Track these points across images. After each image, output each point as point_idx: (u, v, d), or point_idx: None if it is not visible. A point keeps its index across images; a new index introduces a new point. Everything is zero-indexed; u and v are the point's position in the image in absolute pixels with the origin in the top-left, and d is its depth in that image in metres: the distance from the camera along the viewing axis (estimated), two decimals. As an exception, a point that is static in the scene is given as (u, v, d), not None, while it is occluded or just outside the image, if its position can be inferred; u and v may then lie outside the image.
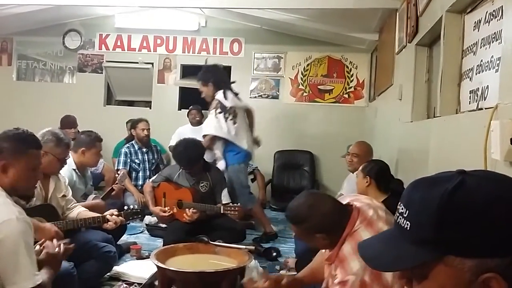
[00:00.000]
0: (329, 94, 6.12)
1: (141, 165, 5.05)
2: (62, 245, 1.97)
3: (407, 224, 0.79)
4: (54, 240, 1.98)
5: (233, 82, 4.59)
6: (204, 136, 4.29)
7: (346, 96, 6.07)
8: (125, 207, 2.95)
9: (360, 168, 2.86)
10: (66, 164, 2.85)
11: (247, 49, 6.24)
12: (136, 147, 5.11)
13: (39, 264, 1.78)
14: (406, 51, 3.49)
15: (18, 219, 1.64)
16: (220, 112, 4.24)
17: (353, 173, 3.50)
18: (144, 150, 5.13)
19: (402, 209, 0.82)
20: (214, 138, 4.29)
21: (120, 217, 2.81)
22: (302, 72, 6.16)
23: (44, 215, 2.54)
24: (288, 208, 1.87)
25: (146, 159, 5.11)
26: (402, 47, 3.61)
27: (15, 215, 1.64)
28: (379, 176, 2.75)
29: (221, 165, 4.26)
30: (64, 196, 2.82)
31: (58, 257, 1.94)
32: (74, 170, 3.26)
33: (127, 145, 5.11)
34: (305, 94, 6.16)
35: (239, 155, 4.32)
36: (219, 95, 4.23)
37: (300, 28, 5.64)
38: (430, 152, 2.58)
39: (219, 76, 4.42)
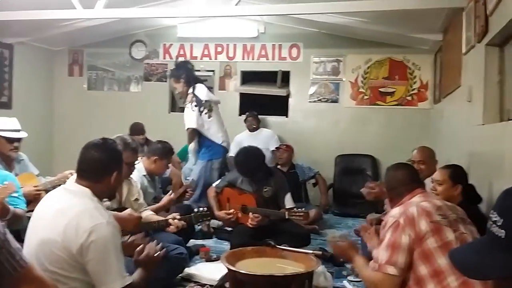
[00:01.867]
0: (391, 97, 6.00)
1: None
2: (161, 252, 2.07)
3: (502, 233, 0.79)
4: (157, 245, 2.08)
5: (205, 80, 4.82)
6: (187, 129, 4.47)
7: (409, 98, 5.93)
8: (195, 210, 3.04)
9: (445, 176, 2.71)
10: (134, 168, 2.99)
11: (305, 53, 6.26)
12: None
13: (136, 264, 1.90)
14: (475, 52, 3.37)
15: (108, 223, 1.76)
16: (196, 106, 4.40)
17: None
18: None
19: (495, 217, 0.82)
20: (195, 131, 4.46)
21: (182, 222, 2.90)
22: (362, 75, 6.08)
23: (119, 216, 2.69)
24: None
25: None
26: (471, 47, 3.49)
27: (106, 220, 1.77)
28: (467, 182, 2.67)
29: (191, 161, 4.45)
30: (136, 199, 2.97)
31: (156, 261, 2.04)
32: (144, 176, 3.42)
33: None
34: (365, 97, 6.08)
35: (211, 152, 4.48)
36: (197, 89, 4.43)
37: (360, 30, 5.58)
38: (506, 157, 2.48)
39: (190, 72, 4.57)
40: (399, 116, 5.98)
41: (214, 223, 4.47)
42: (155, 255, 2.02)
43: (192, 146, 4.55)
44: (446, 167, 2.82)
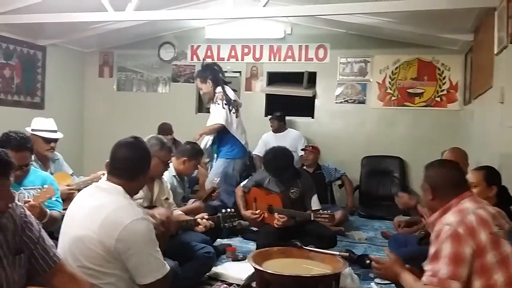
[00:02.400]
0: (420, 98, 5.92)
1: None
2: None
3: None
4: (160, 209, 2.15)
5: (229, 82, 4.85)
6: (215, 125, 4.54)
7: (438, 99, 5.84)
8: (223, 210, 3.07)
9: (479, 177, 2.62)
10: (169, 167, 3.05)
11: (332, 54, 6.24)
12: None
13: None
14: (508, 52, 3.31)
15: (143, 218, 1.82)
16: (226, 104, 4.48)
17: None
18: None
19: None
20: (221, 128, 4.51)
21: (210, 222, 2.93)
22: (390, 75, 6.02)
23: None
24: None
25: None
26: (503, 47, 3.42)
27: (141, 215, 1.82)
28: (500, 183, 2.61)
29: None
30: (167, 199, 3.02)
31: (175, 223, 2.12)
32: (174, 176, 3.47)
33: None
34: (393, 98, 6.02)
35: (234, 151, 4.54)
36: (228, 89, 4.54)
37: (388, 31, 5.53)
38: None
39: (217, 73, 4.63)
40: (427, 117, 5.90)
41: (240, 223, 4.50)
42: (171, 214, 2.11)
43: (205, 142, 4.58)
44: (480, 168, 2.75)
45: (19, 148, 2.56)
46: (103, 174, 3.30)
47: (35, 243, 1.52)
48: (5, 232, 1.44)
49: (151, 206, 2.87)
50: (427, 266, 1.76)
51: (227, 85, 4.69)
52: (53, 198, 2.68)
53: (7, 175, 1.40)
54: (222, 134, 4.61)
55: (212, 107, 4.64)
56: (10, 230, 1.46)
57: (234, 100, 4.59)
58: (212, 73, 4.60)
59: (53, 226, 2.67)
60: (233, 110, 4.54)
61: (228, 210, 3.05)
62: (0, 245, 1.42)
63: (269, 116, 6.38)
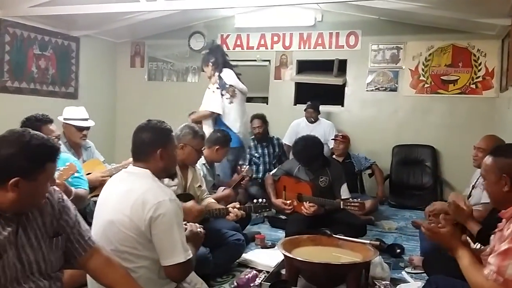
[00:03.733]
0: (454, 85, 5.77)
1: (261, 159, 5.25)
2: (202, 229, 2.16)
3: None
4: (196, 224, 2.17)
5: (235, 66, 4.55)
6: (205, 112, 4.30)
7: (473, 86, 5.67)
8: (254, 200, 3.10)
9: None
10: (202, 155, 3.09)
11: (363, 41, 6.14)
12: (256, 141, 5.32)
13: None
14: (548, 36, 3.18)
15: (171, 200, 1.85)
16: (218, 88, 4.27)
17: (479, 168, 3.28)
18: (264, 144, 5.31)
19: None
20: (211, 115, 4.28)
21: (241, 211, 2.96)
22: (423, 62, 5.88)
23: (184, 201, 2.79)
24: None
25: (266, 153, 5.29)
26: (543, 32, 3.29)
27: (168, 197, 1.85)
28: None
29: None
30: (200, 186, 3.07)
31: (200, 236, 2.13)
32: (204, 164, 3.52)
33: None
34: (426, 85, 5.88)
35: None
36: (224, 73, 4.29)
37: (421, 16, 5.39)
38: None
39: (219, 56, 4.43)
40: (462, 105, 5.75)
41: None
42: (197, 230, 2.10)
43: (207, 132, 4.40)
44: (492, 136, 2.82)
45: (45, 122, 2.81)
46: None
47: (71, 227, 1.57)
48: (43, 215, 1.50)
49: (186, 193, 2.92)
50: (493, 259, 1.60)
51: (231, 68, 4.47)
52: (76, 174, 2.75)
53: (55, 160, 1.46)
54: (215, 122, 4.38)
55: (207, 91, 4.45)
56: (48, 214, 1.51)
57: (231, 85, 4.30)
58: (215, 56, 4.45)
59: (79, 204, 2.76)
60: (227, 96, 4.28)
61: (260, 200, 3.06)
62: (38, 228, 1.48)
63: (298, 105, 6.36)
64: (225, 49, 6.55)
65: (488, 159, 1.81)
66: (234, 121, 4.27)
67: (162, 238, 1.80)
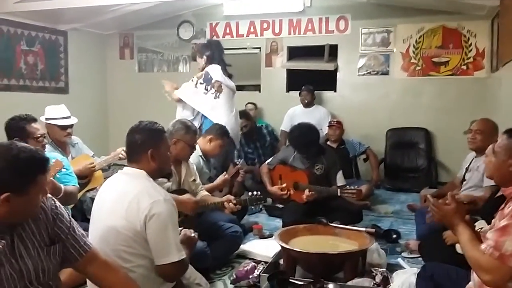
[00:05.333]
0: (445, 67, 5.77)
1: (255, 153, 5.23)
2: (195, 233, 2.17)
3: None
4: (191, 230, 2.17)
5: (229, 65, 4.40)
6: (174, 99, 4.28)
7: (464, 67, 5.68)
8: (249, 193, 3.11)
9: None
10: (195, 150, 3.08)
11: (353, 25, 6.11)
12: (245, 139, 5.27)
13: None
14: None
15: (166, 200, 1.86)
16: (201, 83, 4.18)
17: (475, 151, 3.30)
18: (254, 137, 5.27)
19: None
20: (176, 100, 4.25)
21: (237, 206, 2.94)
22: (414, 45, 5.87)
23: (179, 199, 2.79)
24: None
25: (258, 146, 5.28)
26: (533, 12, 3.28)
27: (163, 197, 1.86)
28: None
29: None
30: (194, 180, 3.07)
31: (194, 241, 2.15)
32: (200, 156, 3.51)
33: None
34: (418, 68, 5.88)
35: None
36: (210, 67, 4.18)
37: (411, -2, 5.37)
38: None
39: (215, 52, 4.32)
40: (453, 86, 5.76)
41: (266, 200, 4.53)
42: (192, 235, 2.11)
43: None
44: (488, 119, 2.86)
45: (29, 120, 2.77)
46: (123, 150, 3.38)
47: (66, 233, 1.57)
48: (39, 224, 1.50)
49: (180, 190, 2.92)
50: (491, 235, 1.63)
51: (224, 66, 4.34)
52: (63, 170, 2.73)
53: (46, 171, 1.45)
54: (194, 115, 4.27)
55: (189, 82, 4.34)
56: (43, 222, 1.51)
57: (217, 81, 4.19)
58: (211, 50, 4.34)
59: (70, 201, 2.76)
60: (212, 91, 4.17)
61: (255, 193, 3.06)
62: (34, 237, 1.48)
63: (291, 92, 6.35)
64: (214, 37, 6.58)
65: (503, 138, 1.87)
66: (218, 116, 4.12)
67: (156, 237, 1.81)
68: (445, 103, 5.78)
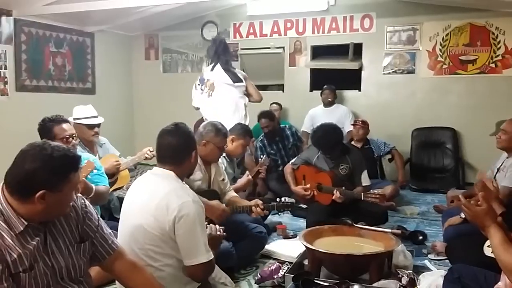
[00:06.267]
0: (473, 65, 5.66)
1: (277, 154, 5.21)
2: (222, 231, 2.18)
3: None
4: (217, 226, 2.18)
5: (227, 60, 4.40)
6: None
7: (493, 65, 5.55)
8: (277, 199, 3.11)
9: None
10: (224, 152, 3.10)
11: (378, 23, 6.04)
12: (267, 140, 5.22)
13: None
14: None
15: (194, 201, 1.89)
16: (198, 84, 4.32)
17: (505, 151, 3.24)
18: (277, 138, 5.26)
19: None
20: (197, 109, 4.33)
21: (264, 211, 2.98)
22: (440, 43, 5.77)
23: (209, 199, 2.82)
24: None
25: (281, 147, 5.25)
26: None
27: (191, 198, 1.89)
28: None
29: None
30: (223, 179, 3.10)
31: (219, 239, 2.15)
32: (224, 157, 3.52)
33: (260, 138, 5.26)
34: (444, 66, 5.78)
35: None
36: (204, 67, 4.31)
37: (437, -5, 5.28)
38: None
39: (216, 50, 4.35)
40: (481, 85, 5.64)
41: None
42: (218, 233, 2.12)
43: None
44: None
45: (62, 121, 2.84)
46: (149, 150, 3.44)
47: (94, 232, 1.61)
48: (70, 222, 1.55)
49: (210, 190, 2.94)
50: None
51: (221, 61, 4.33)
52: (94, 171, 2.77)
53: (78, 169, 1.50)
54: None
55: None
56: (73, 220, 1.56)
57: (208, 80, 4.26)
58: (211, 48, 4.41)
59: (100, 201, 2.81)
60: (206, 90, 4.25)
61: (283, 199, 3.06)
62: (65, 234, 1.53)
63: (314, 92, 6.32)
64: (238, 38, 6.61)
65: None
66: (212, 115, 4.14)
67: (185, 238, 1.84)
68: (473, 102, 5.67)
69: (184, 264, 1.86)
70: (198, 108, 4.39)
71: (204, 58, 4.48)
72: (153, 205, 1.87)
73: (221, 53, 4.37)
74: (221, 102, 4.26)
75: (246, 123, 4.13)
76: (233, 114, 4.28)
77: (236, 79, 4.34)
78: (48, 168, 1.38)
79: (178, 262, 1.88)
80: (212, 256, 1.89)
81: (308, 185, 3.79)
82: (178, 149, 2.02)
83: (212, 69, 4.28)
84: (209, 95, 4.27)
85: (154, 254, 1.87)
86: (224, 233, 2.18)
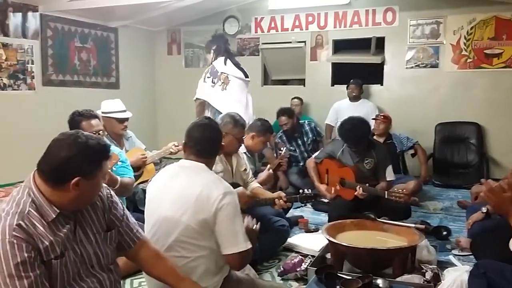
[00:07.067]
0: (498, 59, 5.56)
1: (297, 150, 5.23)
2: (257, 225, 2.19)
3: None
4: (253, 220, 2.20)
5: (235, 55, 4.51)
6: (195, 101, 4.31)
7: (519, 59, 5.45)
8: (300, 191, 3.14)
9: None
10: (243, 143, 3.13)
11: (401, 17, 5.98)
12: (287, 137, 5.27)
13: None
14: None
15: (232, 192, 1.93)
16: (209, 77, 4.24)
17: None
18: (296, 135, 5.26)
19: None
20: (203, 103, 4.27)
21: (287, 204, 2.99)
22: (465, 36, 5.68)
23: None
24: None
25: (300, 143, 5.26)
26: None
27: (230, 189, 1.93)
28: None
29: None
30: (245, 170, 3.14)
31: (255, 232, 2.15)
32: (245, 152, 3.55)
33: (279, 134, 5.29)
34: (469, 60, 5.69)
35: None
36: (216, 61, 4.25)
37: (462, -12, 5.20)
38: None
39: (221, 45, 4.37)
40: (507, 79, 5.53)
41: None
42: (253, 227, 2.13)
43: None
44: None
45: (91, 116, 2.95)
46: (174, 145, 3.49)
47: (120, 220, 1.66)
48: (97, 211, 1.60)
49: (233, 183, 2.97)
50: None
51: (231, 57, 4.40)
52: (119, 163, 2.82)
53: (108, 157, 1.55)
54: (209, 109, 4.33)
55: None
56: (100, 209, 1.61)
57: (222, 72, 4.25)
58: (217, 43, 4.42)
59: (125, 193, 2.87)
60: (219, 83, 4.23)
61: (306, 191, 3.08)
62: (93, 223, 1.58)
63: (336, 86, 6.30)
64: (259, 32, 6.63)
65: None
66: (227, 107, 4.05)
67: (225, 227, 1.86)
68: (498, 97, 5.58)
69: (223, 253, 1.89)
70: (200, 101, 4.32)
71: (212, 51, 4.41)
72: (192, 198, 1.88)
73: (229, 49, 4.47)
74: (235, 97, 4.29)
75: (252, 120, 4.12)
76: (245, 109, 4.33)
77: (246, 74, 4.42)
78: (83, 155, 1.43)
79: (212, 253, 1.91)
80: (250, 245, 1.92)
81: (332, 189, 3.78)
82: (212, 143, 2.08)
83: (225, 63, 4.31)
84: (223, 88, 4.27)
85: (189, 246, 1.89)
86: (258, 227, 2.19)
